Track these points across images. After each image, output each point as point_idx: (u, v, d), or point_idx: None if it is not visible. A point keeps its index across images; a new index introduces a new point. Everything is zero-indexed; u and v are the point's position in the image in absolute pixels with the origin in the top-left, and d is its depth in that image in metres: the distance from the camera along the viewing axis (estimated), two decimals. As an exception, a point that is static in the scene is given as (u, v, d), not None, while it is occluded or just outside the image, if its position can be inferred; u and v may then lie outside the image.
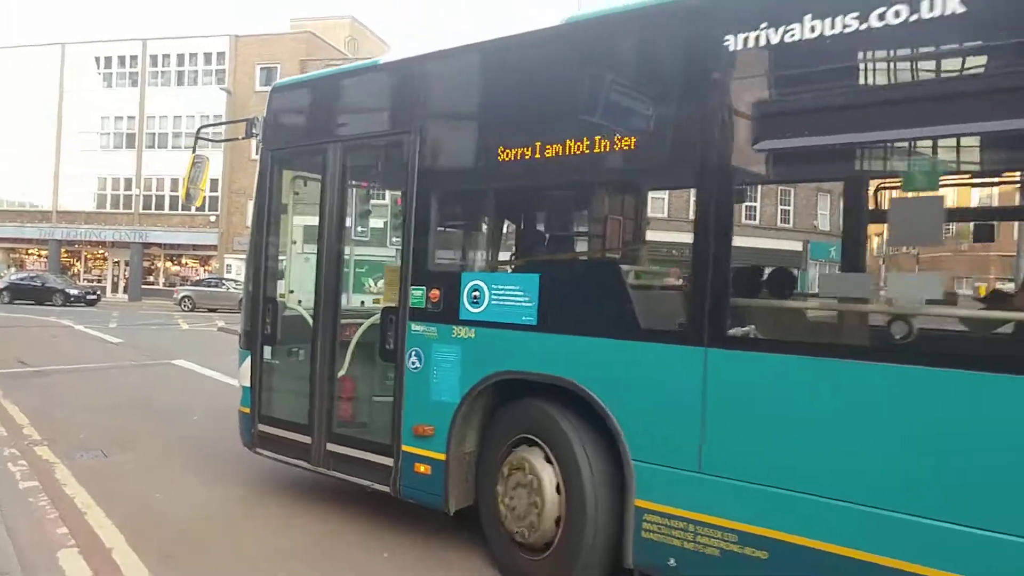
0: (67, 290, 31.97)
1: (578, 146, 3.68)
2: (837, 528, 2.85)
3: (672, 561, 3.28)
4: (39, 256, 40.94)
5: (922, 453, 2.70)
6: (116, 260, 40.02)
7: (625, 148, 3.54)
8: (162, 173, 37.26)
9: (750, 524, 3.07)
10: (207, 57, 37.57)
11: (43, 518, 4.67)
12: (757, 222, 4.37)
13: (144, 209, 37.75)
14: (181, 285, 35.20)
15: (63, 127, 39.03)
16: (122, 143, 38.46)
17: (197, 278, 35.39)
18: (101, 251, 40.45)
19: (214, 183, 34.63)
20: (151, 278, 39.13)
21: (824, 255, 4.48)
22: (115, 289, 39.54)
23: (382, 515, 4.82)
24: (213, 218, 36.46)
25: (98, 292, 34.13)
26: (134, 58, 38.49)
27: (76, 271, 40.34)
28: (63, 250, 39.96)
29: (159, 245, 38.03)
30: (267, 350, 5.29)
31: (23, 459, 6.00)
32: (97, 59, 39.07)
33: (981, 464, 2.58)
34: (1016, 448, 2.50)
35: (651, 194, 4.17)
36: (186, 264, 38.61)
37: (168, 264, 38.94)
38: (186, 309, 30.57)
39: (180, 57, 37.99)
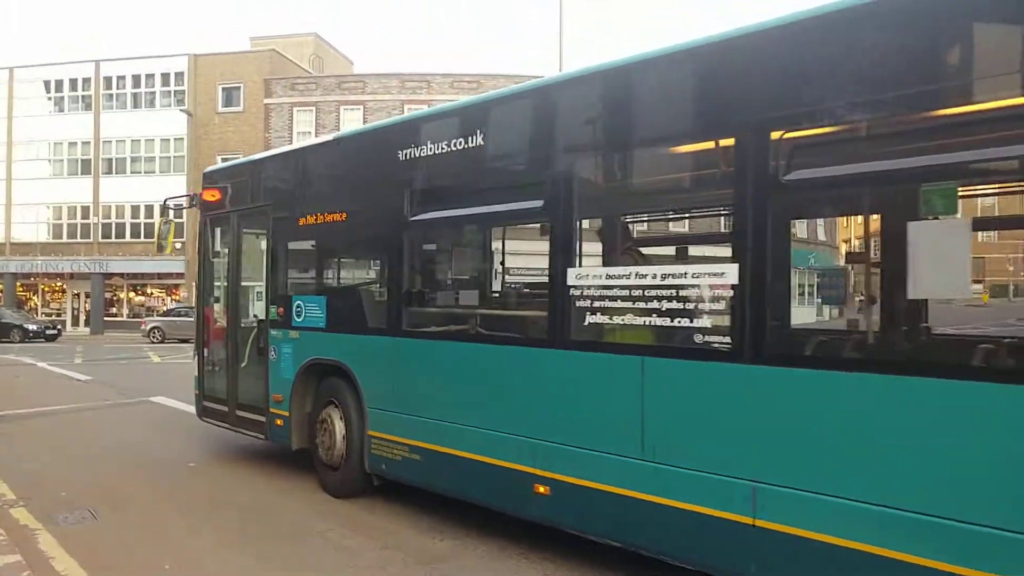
0: (25, 325, 30.53)
1: (333, 217, 6.22)
2: (455, 438, 5.03)
3: (384, 466, 5.67)
4: (-8, 291, 39.15)
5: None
6: (76, 292, 38.47)
7: (348, 221, 6.15)
8: (121, 200, 36.03)
9: (417, 440, 5.32)
10: (165, 78, 36.46)
11: (33, 606, 3.94)
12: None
13: (104, 238, 36.35)
14: (147, 316, 33.83)
15: (13, 155, 37.47)
16: (77, 170, 37.12)
17: (165, 308, 34.04)
18: (59, 283, 38.87)
19: (179, 210, 33.29)
20: (114, 309, 37.66)
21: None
22: (76, 322, 37.98)
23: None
24: (179, 245, 35.20)
25: (58, 326, 32.69)
26: (87, 81, 37.23)
27: (33, 305, 38.61)
28: (18, 283, 38.29)
29: (121, 275, 36.61)
30: (205, 350, 7.90)
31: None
32: (47, 83, 37.68)
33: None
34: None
35: (365, 249, 6.62)
36: (151, 294, 37.21)
37: (132, 294, 37.52)
38: (155, 341, 29.46)
39: (136, 78, 36.81)
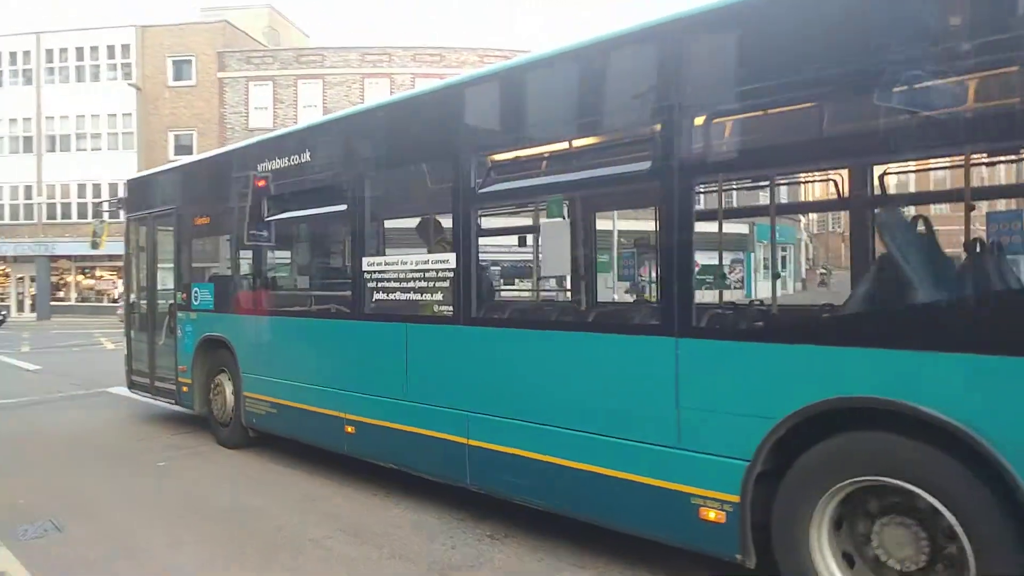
0: None
1: (215, 218, 7.68)
2: (294, 393, 6.37)
3: (255, 420, 6.91)
4: (-71, 277, 37.17)
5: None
6: (20, 276, 36.73)
7: (224, 220, 7.54)
8: (67, 179, 34.43)
9: (273, 397, 6.62)
10: (110, 50, 34.77)
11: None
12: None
13: (49, 219, 34.71)
14: (96, 301, 32.36)
15: (-52, 133, 35.28)
16: (19, 147, 35.26)
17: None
18: (2, 267, 37.00)
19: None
20: (61, 294, 36.09)
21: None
22: (20, 308, 36.41)
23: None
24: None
25: (3, 312, 31.10)
26: (27, 54, 35.26)
27: (-27, 290, 36.70)
28: (-43, 268, 36.26)
29: (68, 257, 35.00)
30: (132, 332, 9.42)
31: None
32: None
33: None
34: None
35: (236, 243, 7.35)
36: (101, 277, 35.63)
37: (80, 278, 35.88)
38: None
39: (80, 51, 35.01)
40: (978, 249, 3.30)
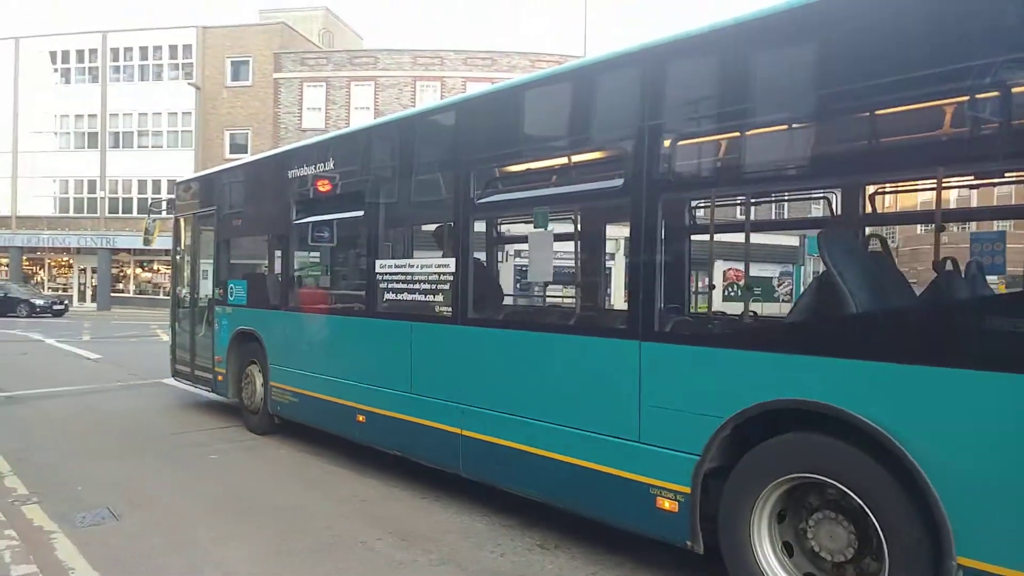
0: (32, 300, 30.27)
1: (250, 219, 8.40)
2: (313, 384, 6.89)
3: (279, 408, 7.51)
4: (-1, 265, 38.74)
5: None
6: (82, 267, 38.34)
7: (257, 223, 8.23)
8: (128, 174, 35.70)
9: (296, 387, 7.17)
10: (172, 50, 35.91)
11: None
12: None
13: (111, 212, 36.08)
14: (153, 293, 33.30)
15: (19, 128, 36.95)
16: (84, 143, 36.78)
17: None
18: (66, 258, 38.66)
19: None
20: (120, 285, 37.49)
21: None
22: (82, 298, 37.88)
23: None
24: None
25: (65, 302, 32.34)
26: (93, 52, 36.76)
27: (40, 280, 38.36)
28: (24, 258, 38.07)
29: (128, 251, 36.34)
30: (176, 324, 10.13)
31: (11, 527, 4.75)
32: (53, 54, 37.25)
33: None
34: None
35: (267, 244, 8.09)
36: (158, 270, 36.71)
37: (139, 271, 37.04)
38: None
39: (143, 50, 36.29)
40: (899, 268, 3.77)
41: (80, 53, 37.00)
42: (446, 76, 32.93)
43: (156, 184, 34.83)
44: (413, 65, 33.41)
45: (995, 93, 2.97)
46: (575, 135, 4.68)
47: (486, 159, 5.27)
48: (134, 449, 7.17)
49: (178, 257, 10.18)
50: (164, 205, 10.88)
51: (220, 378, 8.59)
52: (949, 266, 4.04)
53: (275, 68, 34.57)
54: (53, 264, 39.32)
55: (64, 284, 38.80)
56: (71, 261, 38.79)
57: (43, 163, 36.72)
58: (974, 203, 8.08)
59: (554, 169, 5.10)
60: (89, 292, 38.03)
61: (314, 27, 39.98)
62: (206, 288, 9.13)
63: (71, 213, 37.00)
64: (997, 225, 7.35)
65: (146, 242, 10.85)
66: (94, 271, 37.39)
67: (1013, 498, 2.74)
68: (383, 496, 5.72)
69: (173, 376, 10.20)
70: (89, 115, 36.64)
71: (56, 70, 37.30)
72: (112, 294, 36.65)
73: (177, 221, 9.97)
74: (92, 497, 5.49)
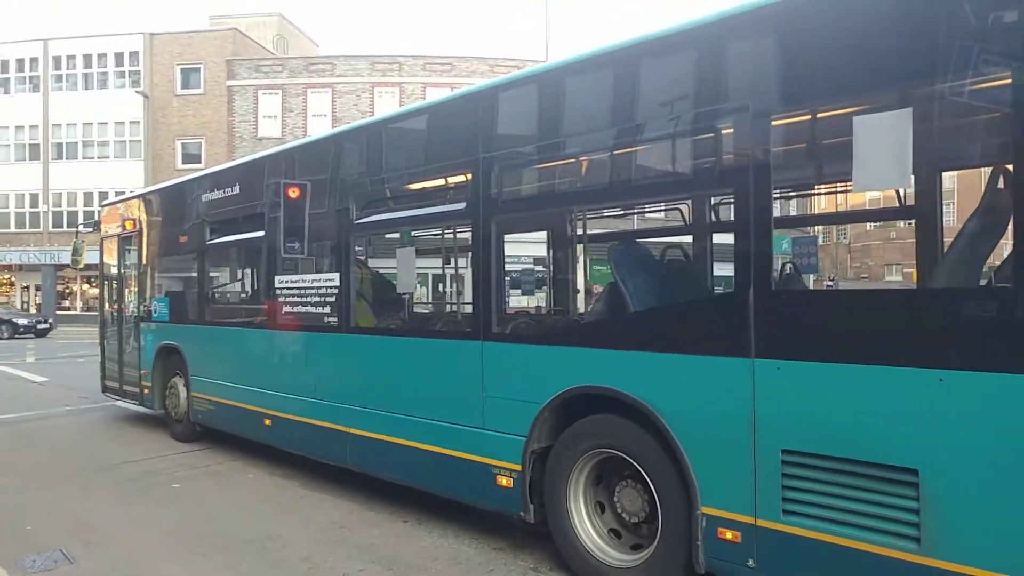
0: (15, 320, 28.79)
1: (171, 240, 8.85)
2: (226, 392, 7.55)
3: (199, 416, 8.16)
4: (-64, 284, 37.03)
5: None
6: (25, 285, 37.13)
7: (176, 242, 8.82)
8: (73, 186, 35.07)
9: (213, 396, 7.80)
10: (118, 58, 35.36)
11: None
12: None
13: (55, 227, 35.24)
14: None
15: (-43, 140, 35.22)
16: (24, 155, 35.93)
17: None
18: (7, 275, 37.28)
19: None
20: (66, 303, 36.26)
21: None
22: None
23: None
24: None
25: (50, 320, 30.73)
26: (34, 60, 35.97)
27: (-21, 299, 36.47)
28: (-36, 276, 36.08)
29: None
30: (104, 342, 10.72)
31: None
32: None
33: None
34: None
35: (186, 262, 8.68)
36: (106, 286, 35.24)
37: (86, 287, 35.66)
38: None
39: (87, 58, 35.73)
40: (672, 277, 4.86)
41: (20, 62, 36.38)
42: (404, 82, 32.70)
43: (103, 196, 33.76)
44: (371, 71, 33.13)
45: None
46: (430, 164, 5.53)
47: (361, 184, 6.05)
48: (88, 481, 6.82)
49: (105, 278, 10.96)
50: (93, 228, 11.45)
51: (147, 391, 9.27)
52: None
53: (228, 75, 33.99)
54: (-6, 282, 37.66)
55: (5, 302, 37.20)
56: (13, 279, 37.63)
57: (-17, 176, 35.23)
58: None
59: (415, 193, 5.92)
60: (33, 310, 36.79)
61: (268, 33, 39.43)
62: (132, 306, 9.83)
63: (12, 228, 36.23)
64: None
65: (75, 263, 11.30)
66: (38, 288, 36.30)
67: (737, 459, 3.51)
68: (362, 521, 5.50)
69: (103, 392, 10.72)
70: (30, 126, 35.98)
71: (-5, 79, 35.84)
72: (58, 311, 35.62)
73: (103, 241, 10.69)
74: (43, 537, 5.16)
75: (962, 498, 2.85)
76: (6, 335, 27.69)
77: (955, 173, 5.53)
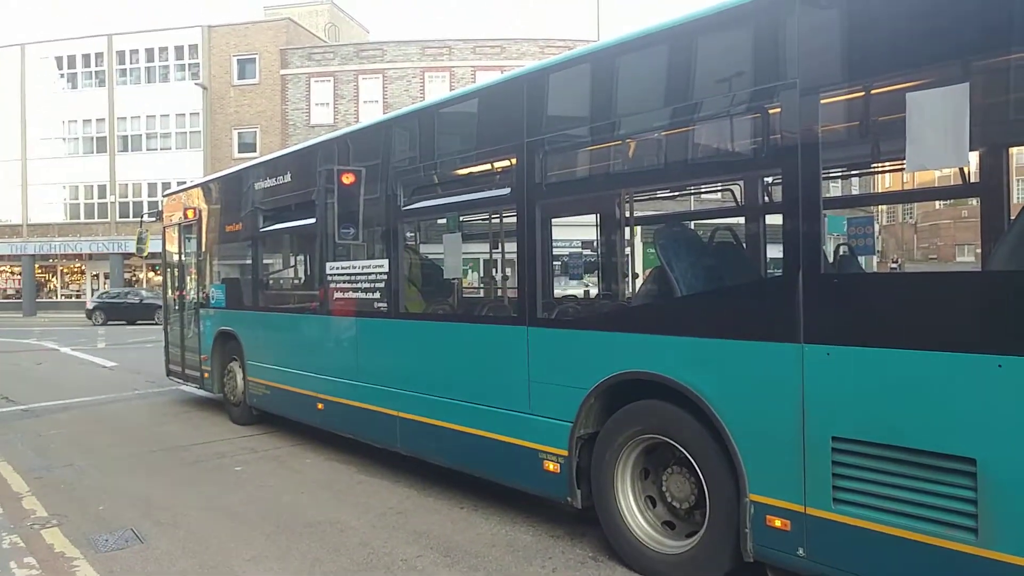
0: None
1: (226, 228, 9.13)
2: (281, 377, 7.75)
3: (255, 401, 8.42)
4: (12, 273, 38.87)
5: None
6: (95, 273, 38.58)
7: (231, 231, 9.03)
8: (138, 178, 36.24)
9: (268, 380, 8.04)
10: (179, 51, 36.29)
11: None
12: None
13: (122, 217, 36.70)
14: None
15: (28, 134, 37.49)
16: (92, 148, 37.47)
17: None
18: (78, 264, 38.75)
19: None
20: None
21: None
22: (95, 304, 37.51)
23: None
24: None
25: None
26: (99, 56, 37.43)
27: (52, 286, 38.28)
28: (37, 266, 38.46)
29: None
30: (168, 328, 11.14)
31: (31, 554, 4.64)
32: (59, 59, 38.03)
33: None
34: None
35: (240, 250, 8.92)
36: (170, 274, 36.54)
37: (152, 275, 37.06)
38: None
39: (149, 52, 36.76)
40: (720, 260, 4.74)
41: (86, 57, 37.64)
42: (455, 66, 32.77)
43: (167, 186, 34.78)
44: (421, 56, 33.29)
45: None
46: (477, 150, 5.56)
47: (410, 172, 6.10)
48: (156, 462, 7.12)
49: (167, 266, 11.29)
50: (156, 217, 11.88)
51: (206, 375, 9.57)
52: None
53: (281, 65, 34.60)
54: (65, 271, 39.62)
55: (77, 291, 39.01)
56: (83, 267, 39.30)
57: (53, 169, 37.54)
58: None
59: (462, 179, 5.90)
60: (102, 298, 38.12)
61: (319, 21, 39.97)
62: (192, 293, 10.15)
63: (82, 219, 37.67)
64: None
65: (140, 251, 11.85)
66: (107, 276, 37.87)
67: (785, 446, 3.45)
68: (419, 507, 5.57)
69: (167, 375, 11.16)
70: (97, 119, 37.34)
71: (63, 75, 38.04)
72: (125, 299, 36.70)
73: (165, 230, 11.01)
74: (115, 517, 5.38)
75: (1022, 488, 2.75)
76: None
77: (1028, 148, 5.28)
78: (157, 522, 5.21)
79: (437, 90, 31.46)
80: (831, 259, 4.83)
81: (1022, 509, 2.75)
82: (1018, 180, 5.14)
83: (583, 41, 28.01)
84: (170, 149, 36.21)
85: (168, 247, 10.99)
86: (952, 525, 2.91)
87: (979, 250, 5.10)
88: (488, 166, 5.52)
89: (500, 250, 7.04)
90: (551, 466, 4.61)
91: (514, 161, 4.96)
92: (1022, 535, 2.75)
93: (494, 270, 7.33)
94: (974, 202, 4.81)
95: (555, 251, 6.35)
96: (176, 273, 10.76)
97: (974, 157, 4.41)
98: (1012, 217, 4.20)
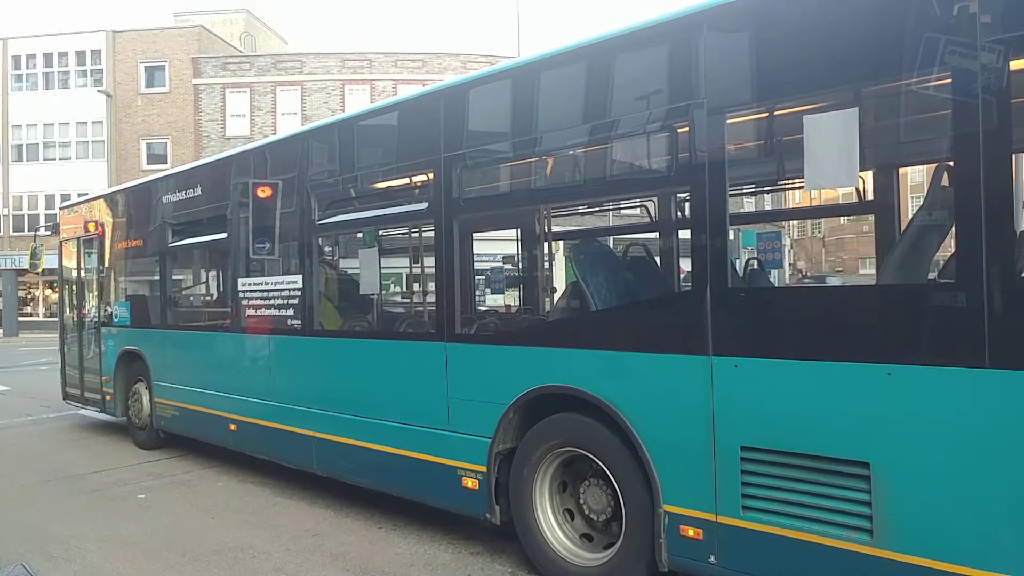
0: None
1: (131, 244, 8.77)
2: (190, 398, 7.53)
3: (163, 423, 8.12)
4: None
5: None
6: (-15, 291, 35.67)
7: (138, 247, 8.69)
8: (34, 189, 34.44)
9: (177, 401, 7.79)
10: (80, 56, 34.77)
11: None
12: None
13: (15, 231, 34.48)
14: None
15: (-89, 142, 34.40)
16: None
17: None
18: (-34, 281, 35.94)
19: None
20: (28, 309, 35.62)
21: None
22: (-14, 324, 35.25)
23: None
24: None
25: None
26: None
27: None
28: (-80, 282, 35.29)
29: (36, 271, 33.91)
30: (64, 348, 10.60)
31: None
32: None
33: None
34: None
35: (148, 267, 8.65)
36: (70, 291, 34.68)
37: (49, 292, 35.12)
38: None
39: (48, 57, 35.12)
40: (633, 275, 4.84)
41: (-22, 61, 34.90)
42: (375, 79, 32.58)
43: (66, 198, 33.05)
44: (341, 68, 32.96)
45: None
46: (394, 164, 5.56)
47: (326, 185, 6.05)
48: (51, 492, 6.77)
49: (64, 282, 10.83)
50: (51, 231, 11.40)
51: (108, 398, 9.23)
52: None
53: (194, 74, 33.59)
54: (-47, 288, 36.90)
55: (-35, 310, 36.45)
56: (-27, 284, 36.47)
57: (-60, 180, 34.48)
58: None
59: (379, 192, 5.93)
60: (-6, 317, 35.83)
61: (234, 30, 39.05)
62: (92, 311, 9.73)
63: (-29, 232, 34.79)
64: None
65: (33, 267, 11.31)
66: (-1, 294, 35.26)
67: (696, 457, 3.58)
68: (336, 528, 5.48)
69: (64, 399, 10.63)
70: (-11, 127, 34.59)
71: (-49, 80, 35.11)
72: (20, 318, 35.00)
73: (62, 244, 10.54)
74: (3, 552, 5.11)
75: (911, 490, 2.93)
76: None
77: (923, 168, 5.66)
78: (49, 556, 4.94)
79: (357, 103, 31.17)
80: (741, 273, 5.07)
81: (911, 510, 2.94)
82: (912, 198, 5.50)
83: (504, 57, 28.38)
84: (70, 159, 34.41)
85: (65, 262, 10.48)
86: (850, 527, 3.08)
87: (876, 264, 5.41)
88: (406, 180, 5.55)
89: (419, 265, 7.04)
90: (470, 483, 4.63)
91: (431, 176, 4.99)
92: (912, 535, 2.93)
93: (413, 286, 7.32)
94: (872, 218, 5.11)
95: (477, 265, 6.47)
96: (74, 290, 10.27)
97: (868, 176, 4.73)
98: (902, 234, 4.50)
